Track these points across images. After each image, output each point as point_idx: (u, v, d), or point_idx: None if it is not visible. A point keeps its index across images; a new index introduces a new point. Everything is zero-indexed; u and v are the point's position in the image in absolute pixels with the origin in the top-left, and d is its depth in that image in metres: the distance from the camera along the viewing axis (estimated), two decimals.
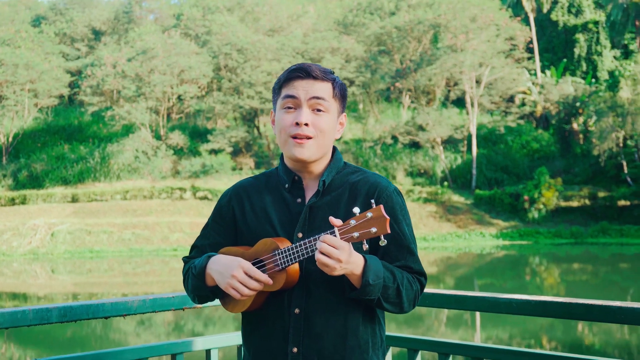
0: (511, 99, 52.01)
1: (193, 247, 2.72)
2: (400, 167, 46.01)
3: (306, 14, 53.94)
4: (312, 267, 2.44)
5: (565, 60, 54.33)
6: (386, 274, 2.39)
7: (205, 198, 41.46)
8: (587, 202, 41.94)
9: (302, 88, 2.52)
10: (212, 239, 2.67)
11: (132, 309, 3.01)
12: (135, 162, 44.98)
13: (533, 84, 51.79)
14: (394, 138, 48.12)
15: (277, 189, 2.60)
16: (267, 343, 2.49)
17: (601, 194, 41.91)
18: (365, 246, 2.25)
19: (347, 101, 2.66)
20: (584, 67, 54.30)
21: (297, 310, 2.45)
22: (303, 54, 48.30)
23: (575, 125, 48.56)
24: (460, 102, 52.21)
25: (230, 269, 2.40)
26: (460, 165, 46.73)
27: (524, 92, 51.88)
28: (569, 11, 56.95)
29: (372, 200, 2.25)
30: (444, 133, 45.63)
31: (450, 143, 48.35)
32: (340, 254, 2.22)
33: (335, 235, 2.26)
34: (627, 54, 54.85)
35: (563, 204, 41.81)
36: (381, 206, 2.22)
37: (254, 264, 2.45)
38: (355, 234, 2.23)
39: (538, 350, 2.92)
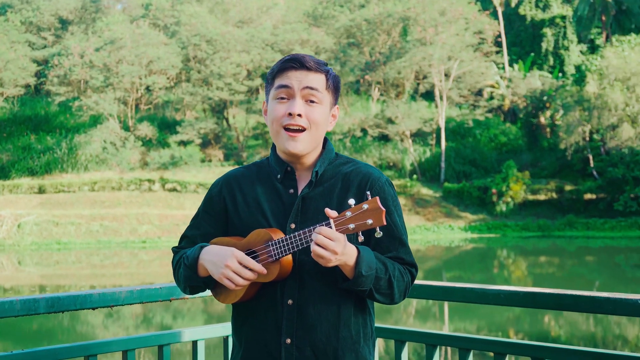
0: (479, 93, 52.32)
1: (183, 238, 2.69)
2: (370, 160, 46.09)
3: (276, 6, 53.78)
4: (305, 258, 2.44)
5: (532, 54, 54.79)
6: (378, 265, 2.39)
7: (174, 190, 41.27)
8: (554, 195, 42.37)
9: (295, 78, 2.50)
10: (202, 230, 2.64)
11: (119, 299, 2.99)
12: (103, 153, 44.63)
13: (501, 77, 52.15)
14: (364, 131, 48.21)
15: (269, 180, 2.59)
16: (259, 334, 2.48)
17: (568, 188, 42.37)
18: (361, 237, 2.25)
19: (340, 93, 2.66)
20: (551, 61, 54.80)
21: (290, 302, 2.44)
22: (272, 45, 48.20)
23: (542, 119, 49.00)
24: (429, 96, 52.43)
25: (223, 258, 2.38)
26: (429, 159, 46.94)
27: (492, 86, 52.22)
28: (537, 5, 57.42)
29: (368, 192, 2.24)
30: (413, 126, 45.82)
31: (419, 136, 48.55)
32: (335, 246, 2.21)
33: (330, 227, 2.25)
34: (593, 48, 55.39)
35: (530, 197, 42.20)
36: (377, 198, 2.22)
37: (246, 255, 2.44)
38: (351, 226, 2.23)
39: (527, 341, 2.94)
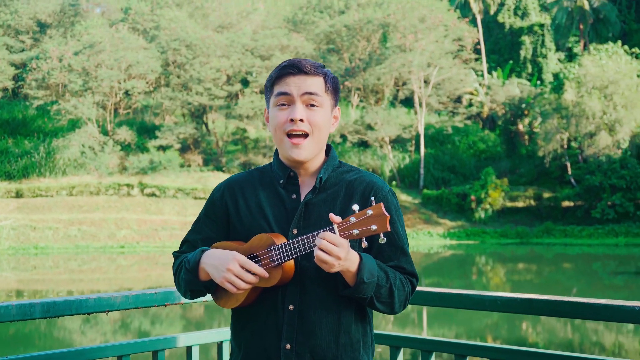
0: (458, 100, 52.60)
1: (184, 242, 2.68)
2: None
3: (256, 11, 53.80)
4: (307, 264, 2.43)
5: (511, 62, 55.17)
6: (380, 273, 2.39)
7: (153, 195, 41.10)
8: (532, 202, 42.64)
9: (294, 84, 2.50)
10: (204, 234, 2.64)
11: (115, 305, 2.97)
12: (81, 158, 44.37)
13: (480, 84, 52.45)
14: (343, 137, 48.30)
15: (272, 185, 2.58)
16: (259, 339, 2.47)
17: (546, 195, 42.65)
18: (365, 243, 2.25)
19: (339, 94, 2.66)
20: (530, 69, 55.23)
21: (291, 307, 2.43)
22: (252, 50, 48.18)
23: (520, 127, 49.31)
24: (408, 102, 52.62)
25: (225, 262, 2.37)
26: (409, 165, 47.10)
27: (471, 93, 52.50)
28: (515, 13, 57.86)
29: (372, 198, 2.25)
30: (393, 132, 45.97)
31: (398, 142, 48.70)
32: (339, 252, 2.21)
33: (334, 232, 2.25)
34: (571, 56, 55.91)
35: (509, 204, 42.45)
36: (381, 204, 2.22)
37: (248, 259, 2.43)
38: (355, 231, 2.23)
39: (524, 348, 2.95)
